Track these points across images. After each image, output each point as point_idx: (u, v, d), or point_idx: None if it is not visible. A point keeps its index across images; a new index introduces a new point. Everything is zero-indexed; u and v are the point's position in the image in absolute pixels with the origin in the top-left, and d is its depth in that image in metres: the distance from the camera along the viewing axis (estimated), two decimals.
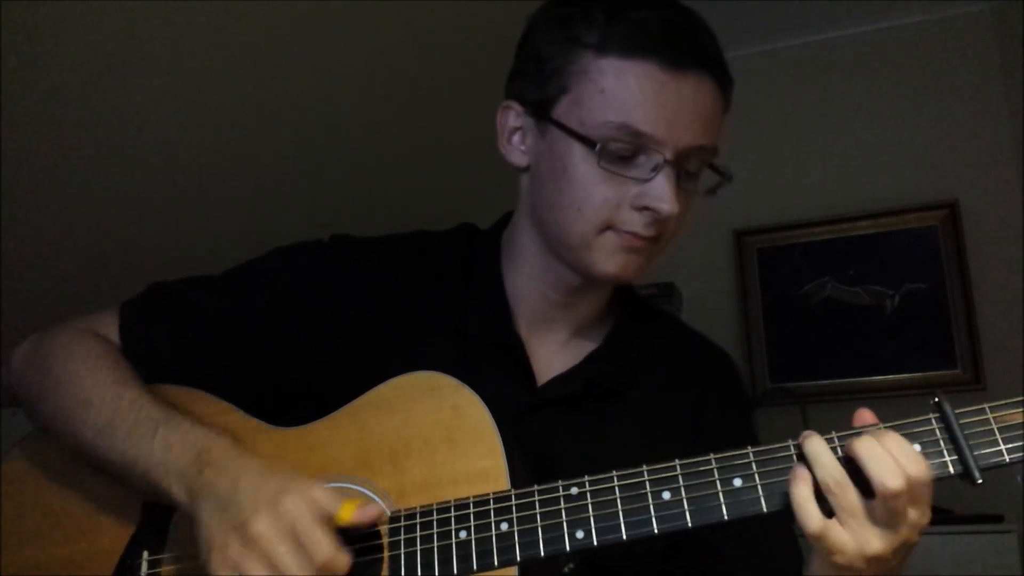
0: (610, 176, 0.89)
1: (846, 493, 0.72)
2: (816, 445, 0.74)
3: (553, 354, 1.02)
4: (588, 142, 0.89)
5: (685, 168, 0.91)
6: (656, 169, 0.88)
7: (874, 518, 0.72)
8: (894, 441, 0.72)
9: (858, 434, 0.75)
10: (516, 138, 0.98)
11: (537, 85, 0.94)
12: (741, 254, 3.23)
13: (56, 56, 1.54)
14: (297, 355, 0.99)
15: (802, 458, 0.75)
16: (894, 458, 0.71)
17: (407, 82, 2.25)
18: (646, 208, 0.89)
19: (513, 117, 0.98)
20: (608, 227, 0.91)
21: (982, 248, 2.94)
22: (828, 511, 0.73)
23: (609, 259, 0.92)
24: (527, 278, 1.01)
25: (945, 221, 3.00)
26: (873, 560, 0.72)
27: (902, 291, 3.00)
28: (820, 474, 0.72)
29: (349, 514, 0.79)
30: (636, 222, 0.90)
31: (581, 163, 0.90)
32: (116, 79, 1.66)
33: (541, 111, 0.94)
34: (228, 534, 0.78)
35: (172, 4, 1.61)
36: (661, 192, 0.88)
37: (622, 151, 0.88)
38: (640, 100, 0.87)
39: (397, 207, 2.40)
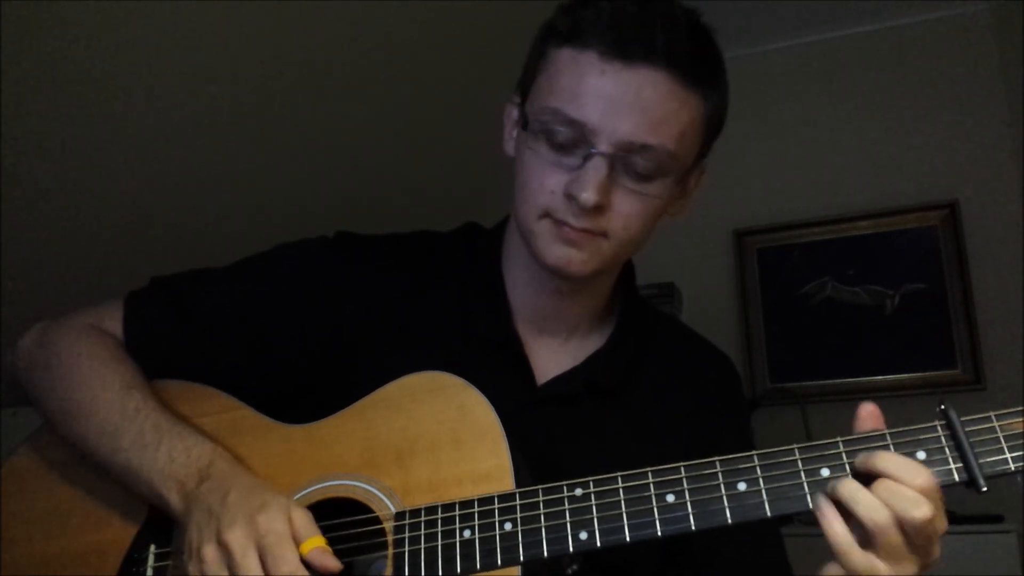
0: (549, 163, 0.89)
1: (893, 532, 0.71)
2: (850, 487, 0.72)
3: (553, 353, 1.02)
4: (524, 125, 0.91)
5: (632, 166, 0.88)
6: (587, 158, 0.87)
7: (913, 547, 0.72)
8: (900, 466, 0.72)
9: (864, 447, 0.75)
10: (511, 131, 0.99)
11: (524, 77, 0.95)
12: (741, 254, 3.23)
13: (57, 55, 1.54)
14: (299, 351, 0.99)
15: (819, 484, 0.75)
16: (914, 490, 0.71)
17: (410, 82, 2.26)
18: (571, 195, 0.88)
19: (512, 112, 0.99)
20: (547, 214, 0.91)
21: (982, 248, 2.94)
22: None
23: (549, 248, 0.92)
24: (520, 274, 1.01)
25: (945, 221, 3.00)
26: None
27: (902, 291, 3.01)
28: (864, 514, 0.71)
29: (309, 549, 0.80)
30: (567, 211, 0.89)
31: (527, 149, 0.91)
32: (117, 77, 1.66)
33: (522, 102, 0.95)
34: (206, 539, 0.81)
35: (173, 2, 1.61)
36: (584, 180, 0.86)
37: (563, 138, 0.88)
38: (577, 88, 0.86)
39: (400, 206, 2.41)
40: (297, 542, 0.80)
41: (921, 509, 0.70)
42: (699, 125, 0.91)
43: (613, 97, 0.85)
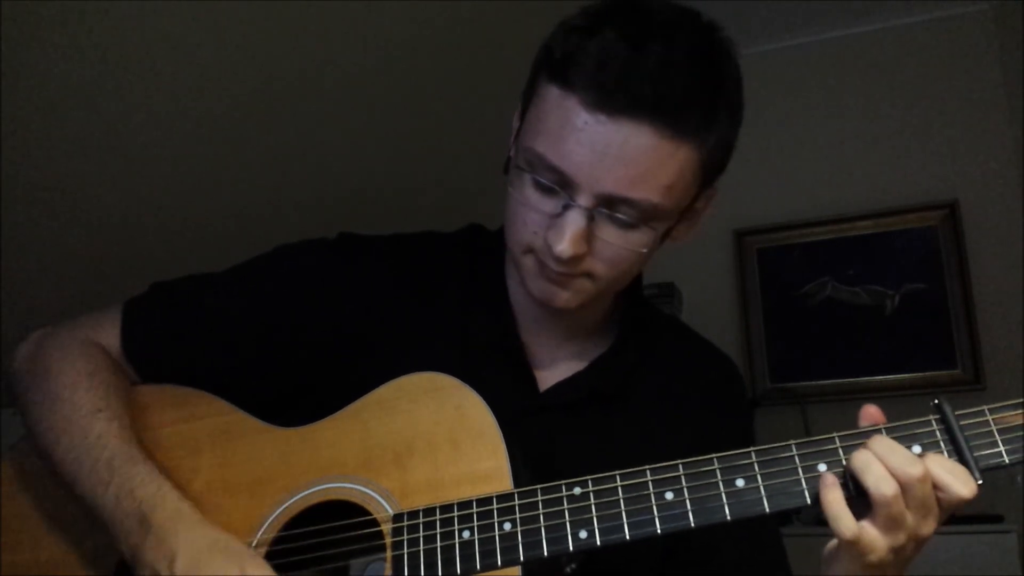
0: (532, 203, 0.87)
1: (898, 503, 0.71)
2: (865, 456, 0.73)
3: (555, 359, 1.02)
4: (515, 166, 0.89)
5: (614, 216, 0.86)
6: (566, 208, 0.85)
7: (908, 514, 0.72)
8: (883, 446, 0.73)
9: (860, 442, 0.75)
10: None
11: (525, 92, 0.93)
12: (741, 254, 3.24)
13: (57, 55, 1.54)
14: (298, 353, 0.99)
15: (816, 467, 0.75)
16: (884, 464, 0.72)
17: (411, 82, 2.25)
18: (550, 245, 0.86)
19: (516, 118, 0.96)
20: (530, 251, 0.90)
21: (982, 248, 2.94)
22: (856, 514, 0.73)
23: (533, 282, 0.91)
24: (520, 283, 1.01)
25: (945, 221, 3.00)
26: (898, 551, 0.73)
27: (902, 291, 3.01)
28: (872, 482, 0.72)
29: None
30: (548, 254, 0.87)
31: (514, 183, 0.89)
32: (117, 77, 1.67)
33: (520, 119, 0.93)
34: None
35: (174, 3, 1.61)
36: (560, 232, 0.85)
37: (545, 182, 0.86)
38: (559, 135, 0.83)
39: (401, 207, 2.40)
40: None
41: (916, 467, 0.71)
42: (692, 172, 0.87)
43: (595, 148, 0.82)
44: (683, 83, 0.83)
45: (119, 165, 1.81)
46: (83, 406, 0.92)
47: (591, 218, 0.85)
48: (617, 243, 0.87)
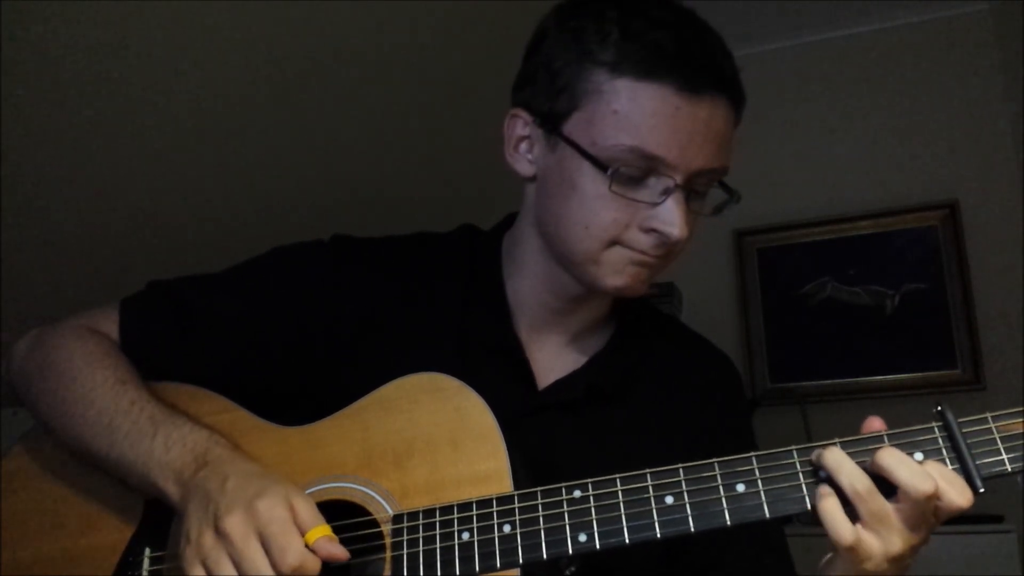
0: (618, 196, 0.88)
1: (875, 498, 0.72)
2: (836, 455, 0.74)
3: (554, 357, 1.02)
4: (600, 165, 0.88)
5: (694, 188, 0.90)
6: (666, 193, 0.88)
7: (904, 520, 0.72)
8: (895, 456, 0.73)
9: (864, 444, 0.75)
10: (523, 147, 0.96)
11: (547, 97, 0.91)
12: (741, 254, 3.23)
13: (57, 54, 1.54)
14: (296, 355, 0.99)
15: (816, 473, 0.75)
16: (918, 465, 0.72)
17: (411, 82, 2.25)
18: (654, 231, 0.89)
19: (520, 126, 0.96)
20: (616, 243, 0.91)
21: (982, 248, 2.94)
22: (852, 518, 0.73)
23: (616, 274, 0.92)
24: (529, 283, 1.01)
25: (945, 221, 3.00)
26: (895, 560, 0.73)
27: (902, 291, 3.01)
28: (846, 482, 0.73)
29: (315, 537, 0.78)
30: (644, 242, 0.90)
31: (591, 183, 0.89)
32: (117, 77, 1.66)
33: (551, 124, 0.92)
34: (203, 528, 0.80)
35: (175, 1, 1.61)
36: (671, 217, 0.88)
37: (633, 172, 0.88)
38: (653, 124, 0.86)
39: (398, 207, 2.40)
40: (301, 530, 0.78)
41: (928, 483, 0.71)
42: None
43: (689, 131, 0.86)
44: (731, 59, 0.91)
45: (119, 164, 1.81)
46: (107, 379, 0.94)
47: (687, 196, 0.89)
48: (698, 212, 0.92)
